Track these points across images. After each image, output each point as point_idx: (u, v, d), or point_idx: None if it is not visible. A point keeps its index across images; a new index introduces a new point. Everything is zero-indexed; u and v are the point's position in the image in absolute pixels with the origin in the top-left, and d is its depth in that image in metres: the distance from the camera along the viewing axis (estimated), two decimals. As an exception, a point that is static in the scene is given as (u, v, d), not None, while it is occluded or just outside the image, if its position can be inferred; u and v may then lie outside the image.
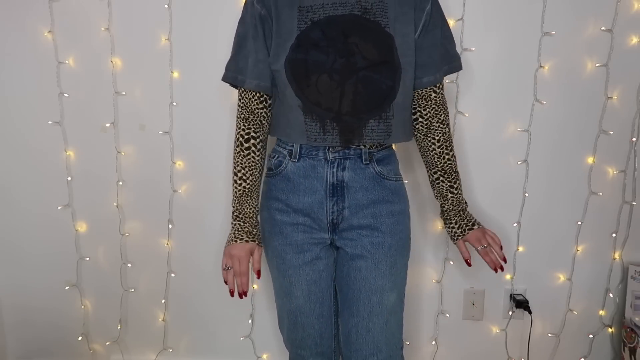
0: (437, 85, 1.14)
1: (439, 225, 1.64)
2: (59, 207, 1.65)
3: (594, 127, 1.56)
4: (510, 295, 1.68)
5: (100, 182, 1.64)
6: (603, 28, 1.49)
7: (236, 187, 1.13)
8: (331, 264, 1.17)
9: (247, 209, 1.12)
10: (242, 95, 1.14)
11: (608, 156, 1.58)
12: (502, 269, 1.15)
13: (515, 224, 1.63)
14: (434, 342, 1.72)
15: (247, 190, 1.13)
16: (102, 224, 1.67)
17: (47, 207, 1.66)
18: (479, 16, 1.50)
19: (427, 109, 1.14)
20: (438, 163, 1.17)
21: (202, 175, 1.63)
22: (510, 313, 1.69)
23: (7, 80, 1.58)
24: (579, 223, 1.62)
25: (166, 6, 1.51)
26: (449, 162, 1.17)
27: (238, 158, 1.14)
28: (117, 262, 1.69)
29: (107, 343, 1.76)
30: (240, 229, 1.12)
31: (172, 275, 1.70)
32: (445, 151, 1.17)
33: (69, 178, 1.64)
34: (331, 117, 1.04)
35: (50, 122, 1.60)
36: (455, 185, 1.18)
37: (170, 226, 1.67)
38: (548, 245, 1.65)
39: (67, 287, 1.71)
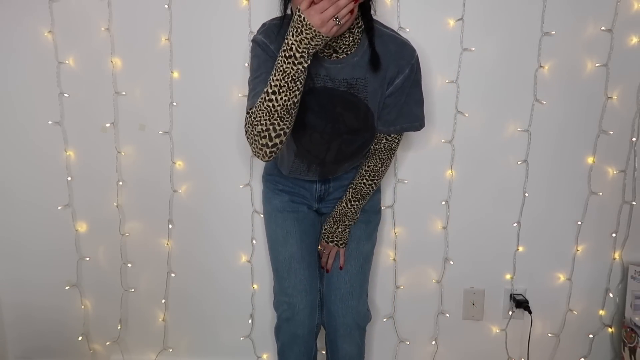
0: (390, 135, 1.29)
1: (439, 225, 1.64)
2: (59, 207, 1.65)
3: (594, 127, 1.56)
4: (510, 295, 1.68)
5: (100, 182, 1.64)
6: (603, 28, 1.49)
7: (276, 71, 1.03)
8: (317, 224, 1.42)
9: None
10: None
11: (608, 156, 1.58)
12: (327, 271, 1.38)
13: (515, 224, 1.63)
14: (434, 342, 1.72)
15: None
16: (102, 224, 1.67)
17: (47, 207, 1.66)
18: (479, 16, 1.50)
19: (376, 145, 1.30)
20: (356, 180, 1.33)
21: (202, 175, 1.63)
22: (510, 313, 1.69)
23: (8, 80, 1.58)
24: (579, 223, 1.63)
25: (166, 6, 1.51)
26: (365, 186, 1.33)
27: (257, 101, 1.07)
28: (117, 262, 1.70)
29: (107, 343, 1.76)
30: (294, 36, 1.01)
31: (172, 275, 1.70)
32: (367, 177, 1.32)
33: (69, 178, 1.64)
34: (317, 162, 1.28)
35: (50, 122, 1.60)
36: (354, 203, 1.33)
37: (170, 226, 1.67)
38: (548, 245, 1.65)
39: (67, 287, 1.71)
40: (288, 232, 1.36)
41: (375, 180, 1.33)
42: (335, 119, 1.20)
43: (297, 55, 0.98)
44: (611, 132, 1.55)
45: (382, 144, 1.30)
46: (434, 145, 1.59)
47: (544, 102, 1.54)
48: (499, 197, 1.62)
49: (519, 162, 1.59)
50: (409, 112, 1.24)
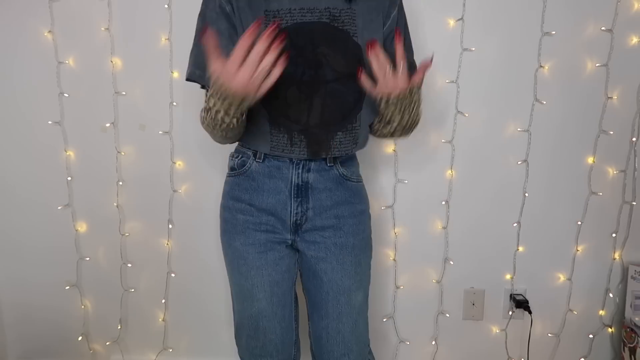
0: None
1: (439, 225, 1.64)
2: (59, 207, 1.65)
3: (594, 127, 1.56)
4: (510, 295, 1.68)
5: (100, 182, 1.64)
6: (603, 28, 1.49)
7: (209, 119, 0.96)
8: (293, 266, 1.15)
9: None
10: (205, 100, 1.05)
11: (608, 156, 1.58)
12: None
13: (515, 224, 1.63)
14: (434, 342, 1.72)
15: None
16: (102, 224, 1.67)
17: (47, 206, 1.66)
18: (479, 16, 1.50)
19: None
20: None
21: (202, 175, 1.63)
22: (510, 313, 1.69)
23: (8, 80, 1.58)
24: (579, 223, 1.63)
25: (166, 6, 1.51)
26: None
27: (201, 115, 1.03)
28: (117, 262, 1.69)
29: (107, 343, 1.76)
30: (215, 104, 0.91)
31: (172, 275, 1.70)
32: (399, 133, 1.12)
33: (69, 178, 1.64)
34: (299, 129, 1.02)
35: (50, 122, 1.60)
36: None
37: (170, 226, 1.67)
38: (548, 245, 1.65)
39: (67, 287, 1.71)
40: (254, 285, 1.11)
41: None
42: (317, 62, 0.98)
43: (230, 115, 0.89)
44: (611, 132, 1.55)
45: None
46: (434, 145, 1.59)
47: (544, 102, 1.54)
48: (499, 197, 1.62)
49: (519, 162, 1.59)
50: (406, 61, 1.10)
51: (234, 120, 0.93)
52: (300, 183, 1.09)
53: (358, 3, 1.01)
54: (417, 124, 1.11)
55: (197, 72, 1.03)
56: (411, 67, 1.13)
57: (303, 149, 1.04)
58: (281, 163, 1.08)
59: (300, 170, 1.08)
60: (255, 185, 1.10)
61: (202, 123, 1.03)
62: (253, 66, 0.80)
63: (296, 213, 1.10)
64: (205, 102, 0.95)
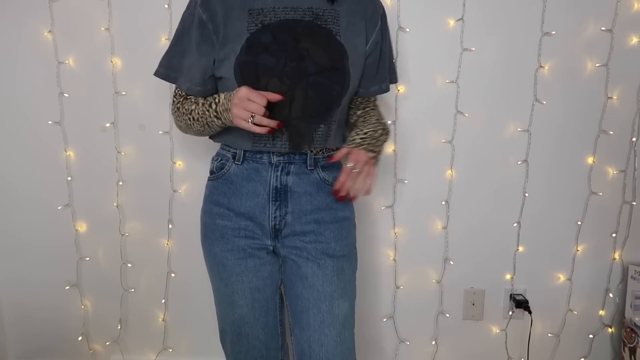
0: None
1: (439, 225, 1.64)
2: (59, 207, 1.65)
3: (594, 127, 1.56)
4: (510, 295, 1.68)
5: (100, 182, 1.64)
6: (603, 28, 1.49)
7: (203, 107, 1.05)
8: (275, 272, 1.13)
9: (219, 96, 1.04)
10: (177, 91, 1.12)
11: (608, 156, 1.58)
12: (350, 199, 1.04)
13: (515, 224, 1.63)
14: (434, 342, 1.72)
15: (207, 99, 1.07)
16: (102, 224, 1.67)
17: (47, 206, 1.66)
18: (479, 16, 1.50)
19: (367, 108, 1.16)
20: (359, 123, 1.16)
21: (202, 176, 1.63)
22: (510, 313, 1.69)
23: (8, 80, 1.58)
24: (579, 223, 1.63)
25: (166, 6, 1.51)
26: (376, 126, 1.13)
27: (183, 107, 1.09)
28: (117, 262, 1.69)
29: (107, 343, 1.76)
30: (226, 96, 1.00)
31: (172, 275, 1.70)
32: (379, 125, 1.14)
33: (69, 178, 1.64)
34: (281, 120, 1.00)
35: (50, 122, 1.60)
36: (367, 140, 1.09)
37: (170, 226, 1.67)
38: (548, 245, 1.65)
39: (67, 287, 1.71)
40: (234, 292, 1.10)
41: (384, 129, 1.13)
42: (299, 56, 0.99)
43: (217, 112, 1.00)
44: (611, 132, 1.55)
45: (372, 104, 1.16)
46: (434, 145, 1.59)
47: (544, 102, 1.54)
48: (499, 197, 1.62)
49: (519, 162, 1.59)
50: (391, 65, 1.16)
51: (216, 122, 1.03)
52: (279, 186, 1.07)
53: (341, 5, 1.04)
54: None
55: (172, 75, 1.10)
56: (390, 70, 1.16)
57: (285, 142, 1.04)
58: (260, 165, 1.08)
59: (279, 173, 1.07)
60: (233, 189, 1.09)
61: (177, 111, 1.11)
62: (251, 109, 0.93)
63: (274, 217, 1.08)
64: (216, 97, 1.04)
